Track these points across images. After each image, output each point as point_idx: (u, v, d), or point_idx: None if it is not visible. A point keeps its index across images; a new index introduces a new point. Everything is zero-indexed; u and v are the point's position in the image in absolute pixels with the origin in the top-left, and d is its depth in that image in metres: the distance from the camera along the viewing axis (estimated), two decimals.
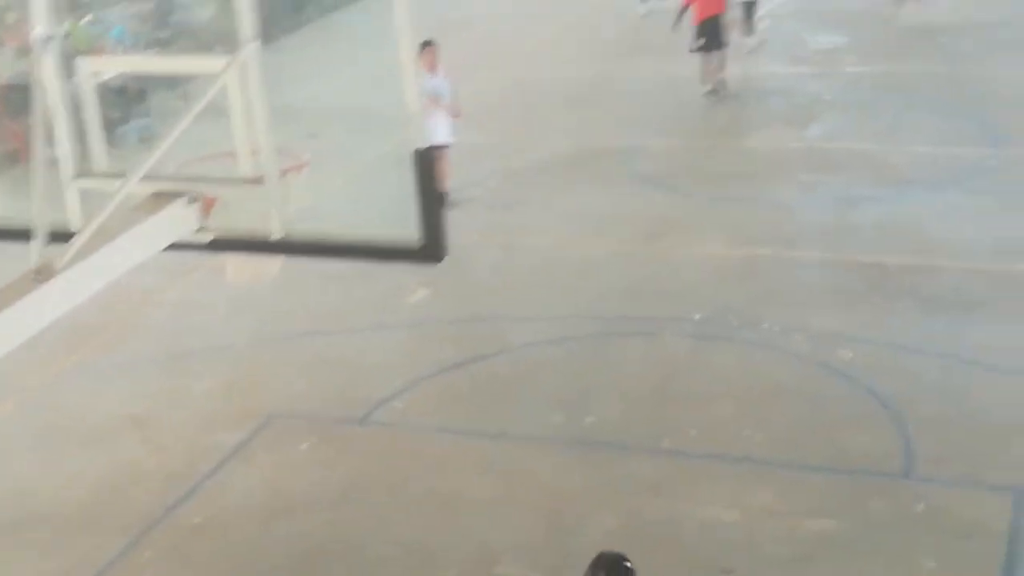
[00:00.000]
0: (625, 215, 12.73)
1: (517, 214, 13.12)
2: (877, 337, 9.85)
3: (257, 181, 4.89)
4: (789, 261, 11.48)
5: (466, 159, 13.81)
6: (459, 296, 11.11)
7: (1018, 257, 11.05)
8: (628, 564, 5.18)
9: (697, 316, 10.51)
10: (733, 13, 16.72)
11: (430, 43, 12.75)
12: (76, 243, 4.52)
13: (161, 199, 4.98)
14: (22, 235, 4.62)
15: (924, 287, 10.68)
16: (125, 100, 15.11)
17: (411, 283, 11.07)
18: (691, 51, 15.66)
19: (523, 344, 10.31)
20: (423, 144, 4.73)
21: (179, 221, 4.98)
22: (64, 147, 5.06)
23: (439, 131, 12.43)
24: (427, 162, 4.67)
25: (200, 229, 5.08)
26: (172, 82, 14.80)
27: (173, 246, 5.09)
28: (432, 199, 4.73)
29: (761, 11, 18.89)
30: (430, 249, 4.81)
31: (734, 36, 16.45)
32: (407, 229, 5.01)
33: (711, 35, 15.53)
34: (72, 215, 5.05)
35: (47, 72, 4.95)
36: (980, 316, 10.07)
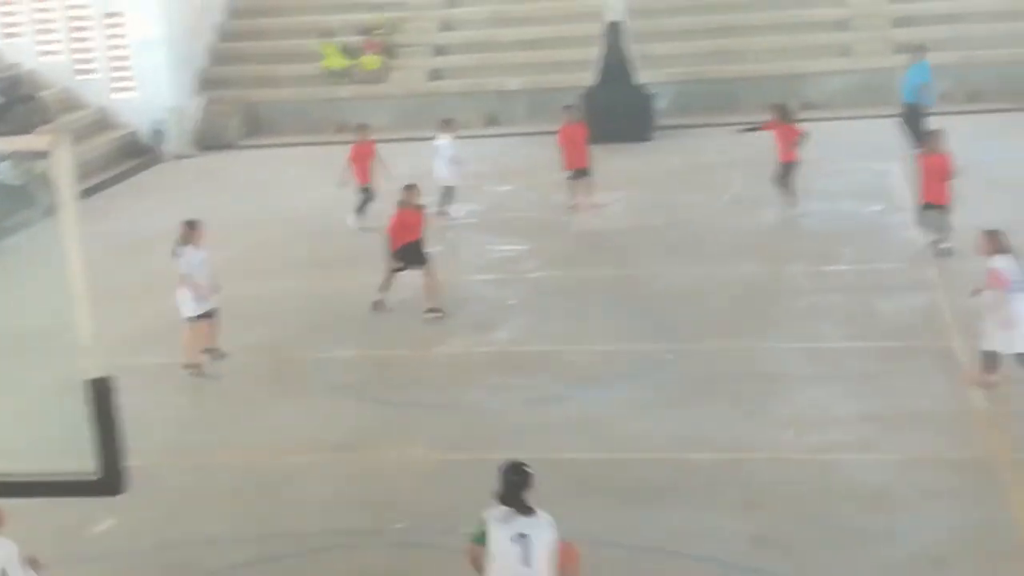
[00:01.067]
0: (319, 425, 12.65)
1: (207, 432, 12.80)
2: (573, 532, 10.04)
3: None
4: (485, 464, 11.60)
5: (152, 380, 13.44)
6: (149, 523, 10.64)
7: (696, 446, 11.65)
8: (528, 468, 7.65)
9: (398, 525, 10.47)
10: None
11: (196, 221, 14.26)
12: None
13: None
14: None
15: (614, 480, 11.05)
16: None
17: (96, 512, 10.51)
18: (394, 271, 15.68)
19: (218, 568, 9.94)
20: (96, 373, 4.61)
21: None
22: None
23: (203, 302, 14.08)
24: (102, 392, 4.54)
25: None
26: None
27: None
28: (110, 429, 4.59)
29: (448, 221, 19.63)
30: (108, 482, 4.63)
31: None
32: (84, 461, 4.83)
33: (409, 258, 15.68)
34: None
35: None
36: (666, 504, 10.50)
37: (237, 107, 28.21)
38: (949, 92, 25.56)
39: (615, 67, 24.94)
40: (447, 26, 29.44)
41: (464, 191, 20.89)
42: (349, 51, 28.36)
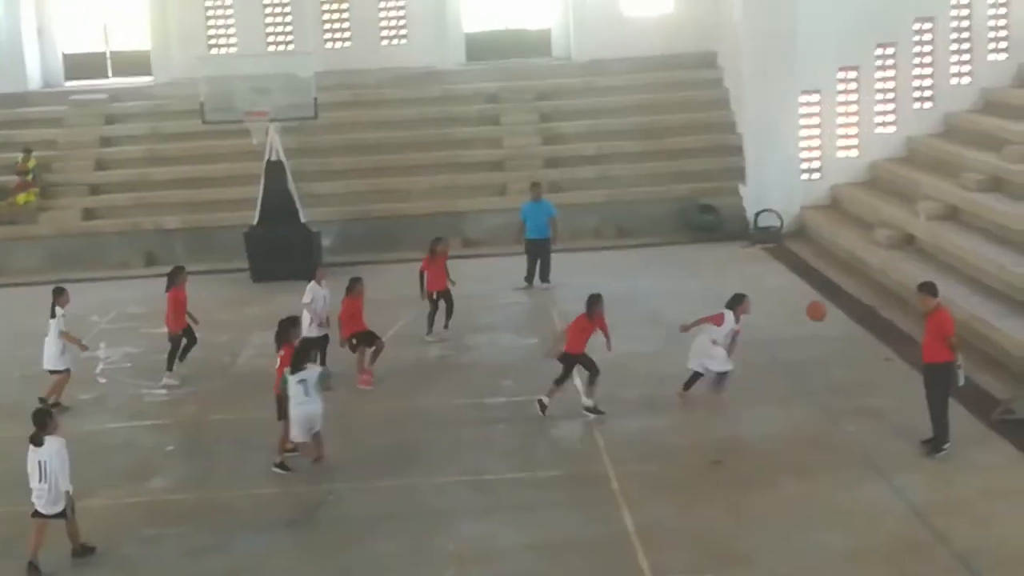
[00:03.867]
0: None
1: None
2: None
3: None
4: None
5: None
6: None
7: None
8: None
9: None
10: None
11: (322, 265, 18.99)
12: None
13: None
14: None
15: None
16: None
17: None
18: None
19: None
20: None
21: None
22: None
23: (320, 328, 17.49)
24: None
25: None
26: None
27: None
28: None
29: (99, 367, 18.77)
30: None
31: None
32: None
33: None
34: None
35: None
36: None
37: None
38: (599, 228, 27.00)
39: (277, 205, 24.87)
40: (101, 165, 28.60)
41: (119, 333, 20.09)
42: None
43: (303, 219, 25.17)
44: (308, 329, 17.11)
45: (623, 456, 14.37)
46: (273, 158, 24.96)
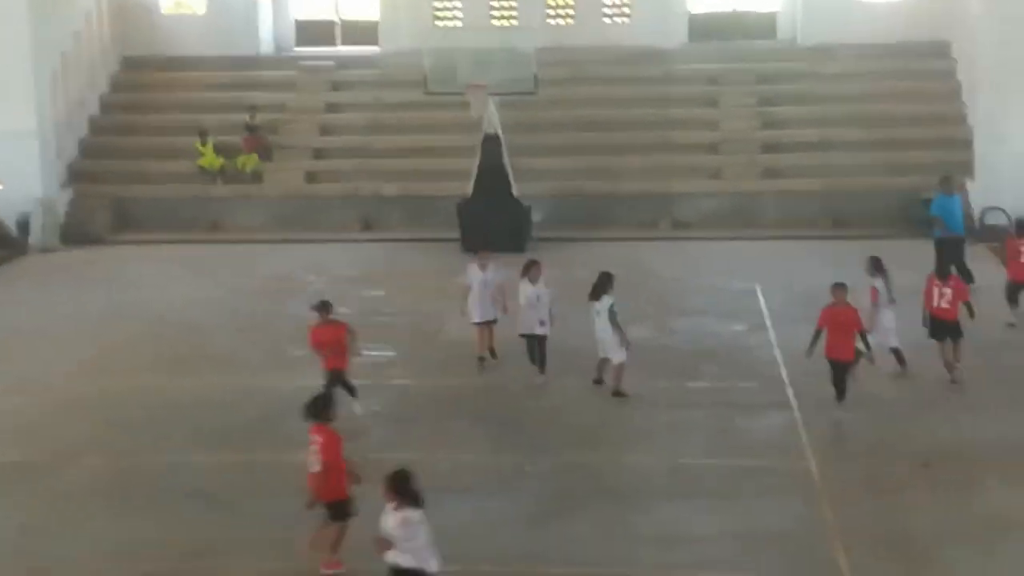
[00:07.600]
0: (166, 535, 12.20)
1: (44, 539, 12.23)
2: None
3: None
4: None
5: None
6: None
7: (553, 561, 11.53)
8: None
9: None
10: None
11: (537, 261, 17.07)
12: None
13: None
14: None
15: None
16: None
17: None
18: None
19: None
20: None
21: None
22: None
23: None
24: None
25: None
26: None
27: None
28: None
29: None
30: None
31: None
32: None
33: None
34: None
35: None
36: None
37: (106, 202, 27.69)
38: (814, 217, 26.34)
39: (492, 179, 25.15)
40: (326, 130, 29.47)
41: (333, 295, 20.60)
42: (225, 150, 28.12)
43: (516, 193, 25.39)
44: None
45: (827, 451, 14.03)
46: (491, 132, 25.25)
